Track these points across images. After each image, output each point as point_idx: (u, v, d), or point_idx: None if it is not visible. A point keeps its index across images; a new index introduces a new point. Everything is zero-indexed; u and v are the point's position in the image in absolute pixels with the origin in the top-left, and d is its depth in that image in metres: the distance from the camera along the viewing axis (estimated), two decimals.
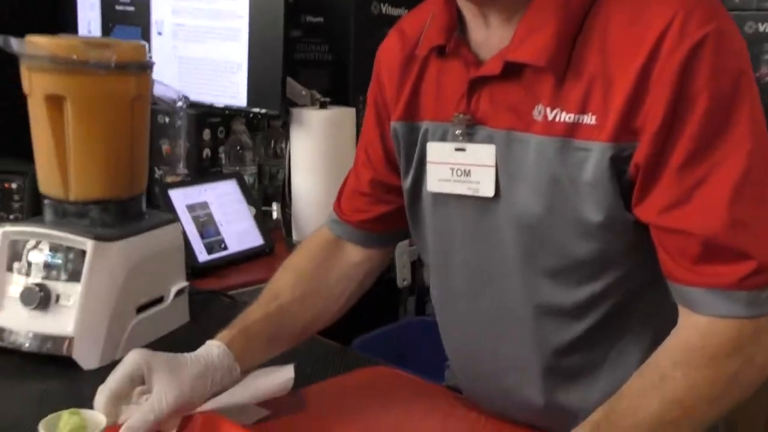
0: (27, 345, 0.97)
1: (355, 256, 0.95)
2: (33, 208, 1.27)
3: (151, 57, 1.05)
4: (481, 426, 0.88)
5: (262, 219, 1.50)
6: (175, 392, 0.76)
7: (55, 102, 0.97)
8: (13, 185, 1.26)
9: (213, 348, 0.82)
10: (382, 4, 1.72)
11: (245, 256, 1.43)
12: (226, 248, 1.41)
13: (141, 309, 1.05)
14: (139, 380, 0.77)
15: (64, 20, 1.72)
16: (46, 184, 1.02)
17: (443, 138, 0.81)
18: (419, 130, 0.84)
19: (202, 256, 1.36)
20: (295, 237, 1.54)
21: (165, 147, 1.45)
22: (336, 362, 1.04)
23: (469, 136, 0.79)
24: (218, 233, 1.41)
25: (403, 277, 1.90)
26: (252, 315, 0.88)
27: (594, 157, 0.71)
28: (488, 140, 0.78)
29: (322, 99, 1.51)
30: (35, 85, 0.97)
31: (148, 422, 0.74)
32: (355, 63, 1.68)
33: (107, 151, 1.01)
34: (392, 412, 0.91)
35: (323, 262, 0.95)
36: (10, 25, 1.55)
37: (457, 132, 0.79)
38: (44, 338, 0.97)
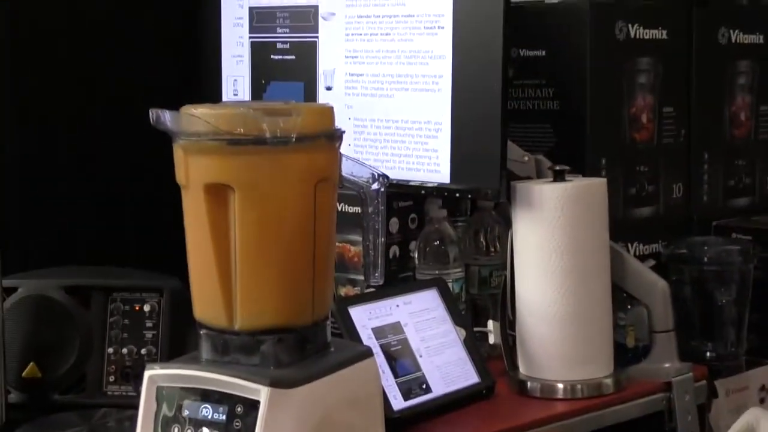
0: None
1: None
2: (171, 340, 1.30)
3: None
4: None
5: (474, 345, 1.46)
6: None
7: (218, 194, 1.00)
8: (145, 308, 1.29)
9: None
10: (630, 25, 1.68)
11: (455, 401, 1.39)
12: (428, 390, 1.38)
13: None
14: None
15: (197, 82, 1.83)
16: (202, 309, 1.05)
17: None
18: None
19: (398, 402, 1.33)
20: (522, 370, 1.47)
21: (350, 247, 1.44)
22: None
23: None
24: (417, 368, 1.39)
25: None
26: None
27: None
28: None
29: (556, 167, 1.47)
30: (193, 171, 1.01)
31: None
32: (593, 112, 1.65)
33: (285, 261, 1.02)
34: None
35: None
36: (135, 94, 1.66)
37: None
38: None
